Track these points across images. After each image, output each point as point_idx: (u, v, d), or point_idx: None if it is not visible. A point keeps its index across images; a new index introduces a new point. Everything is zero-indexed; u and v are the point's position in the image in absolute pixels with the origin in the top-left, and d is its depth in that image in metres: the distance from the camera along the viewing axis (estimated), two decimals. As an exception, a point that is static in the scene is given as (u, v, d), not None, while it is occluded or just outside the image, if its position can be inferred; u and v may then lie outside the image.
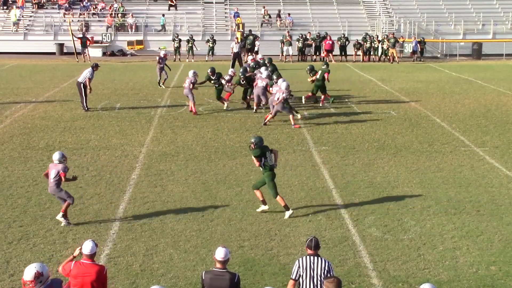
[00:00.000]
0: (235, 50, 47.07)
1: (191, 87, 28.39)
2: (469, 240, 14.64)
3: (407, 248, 14.15)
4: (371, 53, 52.93)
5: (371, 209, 16.51)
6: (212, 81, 29.31)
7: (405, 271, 13.02)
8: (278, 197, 16.10)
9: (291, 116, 26.06)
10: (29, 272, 9.01)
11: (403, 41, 54.33)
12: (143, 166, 20.24)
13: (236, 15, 56.53)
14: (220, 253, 9.93)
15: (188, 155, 21.57)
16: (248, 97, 30.00)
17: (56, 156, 15.33)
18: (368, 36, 53.10)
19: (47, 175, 15.36)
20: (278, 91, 26.02)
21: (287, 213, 15.98)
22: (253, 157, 16.34)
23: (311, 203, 16.95)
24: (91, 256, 10.11)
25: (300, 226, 15.38)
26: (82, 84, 28.75)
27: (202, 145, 22.89)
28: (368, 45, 52.63)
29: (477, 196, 17.65)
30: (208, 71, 29.56)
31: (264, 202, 16.31)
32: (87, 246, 10.10)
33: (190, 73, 29.13)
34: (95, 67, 29.64)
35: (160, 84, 36.09)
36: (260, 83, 28.47)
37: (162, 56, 36.09)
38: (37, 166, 20.01)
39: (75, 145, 22.74)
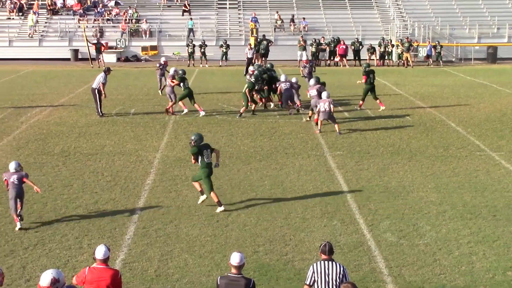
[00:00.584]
0: (249, 55, 47.13)
1: (172, 84, 29.00)
2: (485, 245, 14.58)
3: (423, 253, 14.10)
4: (385, 58, 52.77)
5: (386, 214, 16.46)
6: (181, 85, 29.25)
7: (420, 277, 12.98)
8: (211, 193, 16.76)
9: (336, 126, 25.81)
10: (46, 278, 9.04)
11: (417, 45, 54.21)
12: (157, 172, 20.28)
13: (254, 20, 56.62)
14: (235, 258, 9.92)
15: (202, 160, 21.57)
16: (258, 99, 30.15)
17: (12, 165, 15.78)
18: (382, 41, 52.97)
19: (7, 184, 15.72)
20: (323, 101, 25.66)
21: (219, 209, 16.70)
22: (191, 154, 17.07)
23: (326, 208, 16.92)
24: (105, 261, 10.14)
25: (315, 231, 15.35)
26: (96, 90, 28.84)
27: (216, 150, 22.90)
28: (382, 49, 52.53)
29: (493, 201, 17.57)
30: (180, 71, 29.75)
31: (202, 193, 17.13)
32: (99, 251, 10.13)
33: (171, 70, 29.94)
34: (107, 71, 29.73)
35: (161, 92, 34.84)
36: (283, 86, 29.23)
37: (163, 62, 35.67)
38: (53, 172, 20.09)
39: (90, 151, 22.81)
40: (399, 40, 53.64)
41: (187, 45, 51.94)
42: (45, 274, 9.08)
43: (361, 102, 30.80)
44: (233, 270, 9.95)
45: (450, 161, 21.54)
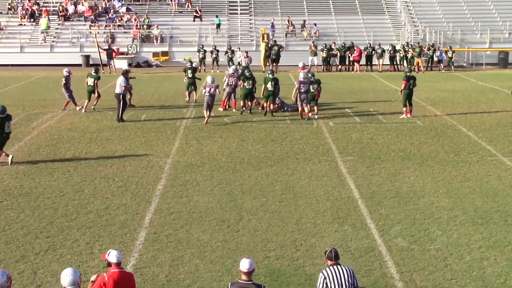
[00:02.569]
0: (243, 64, 47.58)
1: None
2: (496, 250, 14.53)
3: (434, 258, 14.07)
4: (395, 63, 52.64)
5: (397, 219, 16.43)
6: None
7: (431, 282, 12.94)
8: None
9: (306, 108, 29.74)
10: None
11: (433, 49, 54.06)
12: (168, 177, 20.30)
13: (271, 24, 57.08)
14: (245, 264, 9.92)
15: (213, 165, 21.60)
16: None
17: None
18: (391, 46, 52.90)
19: None
20: (302, 83, 29.48)
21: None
22: None
23: (337, 213, 16.90)
24: (120, 264, 10.23)
25: (326, 236, 15.34)
26: (121, 95, 29.11)
27: (227, 155, 22.92)
28: (391, 54, 52.45)
29: (504, 205, 17.51)
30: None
31: (7, 155, 21.78)
32: (114, 255, 10.20)
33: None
34: (125, 73, 29.98)
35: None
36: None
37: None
38: (64, 177, 20.14)
39: (101, 156, 22.85)
40: (410, 45, 53.56)
41: (198, 51, 52.08)
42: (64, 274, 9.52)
43: (404, 109, 30.50)
44: (243, 277, 9.95)
45: (461, 166, 21.49)
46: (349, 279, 10.16)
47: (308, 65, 39.15)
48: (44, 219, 16.46)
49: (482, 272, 13.37)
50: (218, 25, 58.84)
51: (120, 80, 29.27)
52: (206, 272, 13.38)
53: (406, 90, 29.82)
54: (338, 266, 10.29)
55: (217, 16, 59.03)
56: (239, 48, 51.77)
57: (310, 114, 29.79)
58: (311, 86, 29.70)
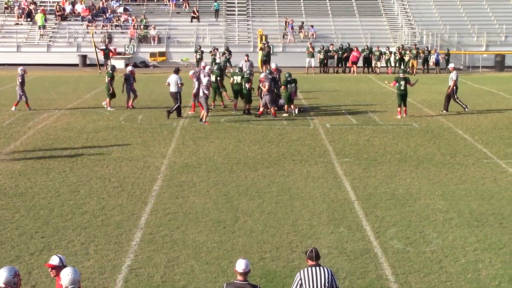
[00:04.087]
0: (244, 68, 47.58)
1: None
2: (491, 252, 14.54)
3: (429, 260, 14.07)
4: (391, 65, 52.68)
5: (393, 221, 16.44)
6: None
7: (427, 284, 12.95)
8: None
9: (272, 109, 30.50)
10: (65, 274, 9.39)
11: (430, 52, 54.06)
12: (165, 178, 20.29)
13: (290, 26, 57.50)
14: (240, 265, 9.92)
15: (210, 166, 21.60)
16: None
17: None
18: (387, 48, 52.96)
19: None
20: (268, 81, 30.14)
21: None
22: None
23: (333, 215, 16.90)
24: None
25: (322, 238, 15.34)
26: (178, 93, 30.14)
27: (224, 156, 22.91)
28: (387, 57, 52.50)
29: (500, 208, 17.53)
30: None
31: None
32: (59, 258, 10.08)
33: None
34: (178, 71, 31.03)
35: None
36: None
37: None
38: (60, 177, 20.11)
39: (97, 157, 22.83)
40: (407, 48, 53.58)
41: (196, 52, 52.07)
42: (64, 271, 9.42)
43: (398, 109, 30.81)
44: (239, 277, 9.95)
45: (457, 169, 21.51)
46: (326, 283, 10.01)
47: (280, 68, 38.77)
48: (39, 219, 16.44)
49: (477, 275, 13.38)
50: (217, 11, 59.34)
51: (175, 78, 30.22)
52: (202, 273, 13.37)
53: (398, 91, 30.13)
54: (318, 268, 10.15)
55: (216, 0, 59.64)
56: (217, 48, 51.42)
57: (279, 112, 31.01)
58: (289, 86, 30.68)
